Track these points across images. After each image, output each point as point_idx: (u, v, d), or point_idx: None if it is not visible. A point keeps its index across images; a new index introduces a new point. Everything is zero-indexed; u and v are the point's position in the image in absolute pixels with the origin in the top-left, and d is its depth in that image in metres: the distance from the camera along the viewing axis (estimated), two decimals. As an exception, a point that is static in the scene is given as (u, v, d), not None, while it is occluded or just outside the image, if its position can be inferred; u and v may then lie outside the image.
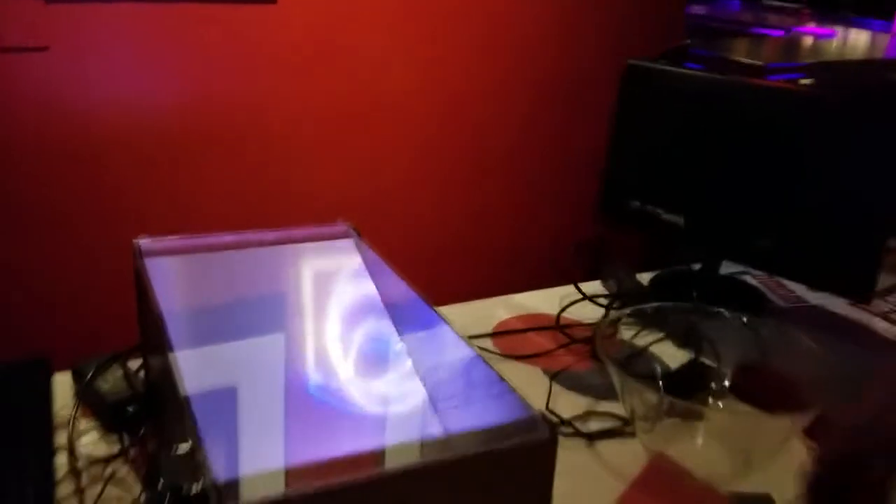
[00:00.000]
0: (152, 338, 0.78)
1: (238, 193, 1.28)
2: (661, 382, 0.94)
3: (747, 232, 1.17)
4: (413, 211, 1.35)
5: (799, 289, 1.37)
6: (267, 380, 0.68)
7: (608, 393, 0.95)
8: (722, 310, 0.96)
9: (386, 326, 0.78)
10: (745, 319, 0.96)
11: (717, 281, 1.27)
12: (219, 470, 0.52)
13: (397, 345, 0.75)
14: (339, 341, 0.76)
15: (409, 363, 0.72)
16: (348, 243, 0.96)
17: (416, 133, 1.34)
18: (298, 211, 1.29)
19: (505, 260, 1.40)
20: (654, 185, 1.26)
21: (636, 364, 0.98)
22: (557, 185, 1.43)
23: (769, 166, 1.12)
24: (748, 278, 1.39)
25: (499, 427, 0.61)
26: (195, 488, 0.50)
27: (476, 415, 0.64)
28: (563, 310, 1.15)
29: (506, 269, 1.41)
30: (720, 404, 0.93)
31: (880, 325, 1.25)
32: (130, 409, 0.84)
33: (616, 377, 0.82)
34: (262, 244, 0.92)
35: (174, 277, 0.82)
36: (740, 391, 0.93)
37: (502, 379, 0.66)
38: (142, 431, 0.84)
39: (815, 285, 1.17)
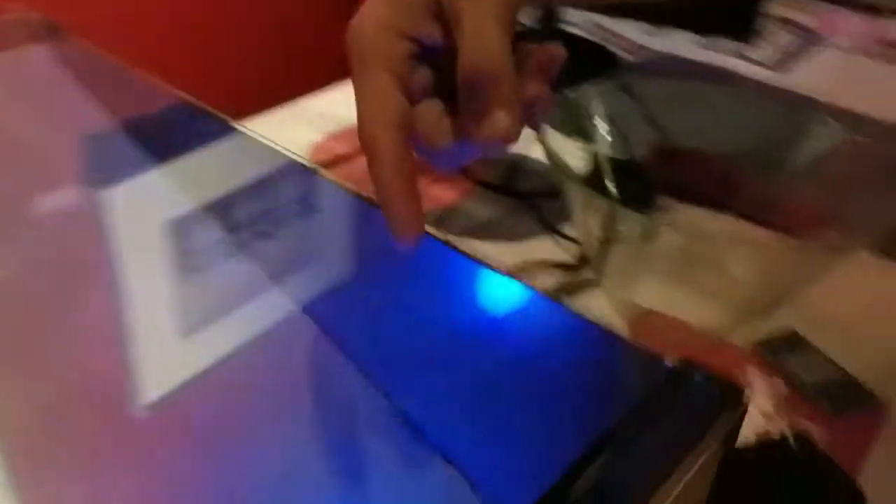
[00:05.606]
0: None
1: None
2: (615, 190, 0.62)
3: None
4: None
5: (633, 34, 1.12)
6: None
7: (524, 231, 0.64)
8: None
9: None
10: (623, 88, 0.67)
11: (557, 39, 0.97)
12: None
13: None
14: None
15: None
16: (40, 49, 0.53)
17: None
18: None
19: (263, 53, 0.98)
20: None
21: (527, 177, 0.67)
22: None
23: None
24: (575, 31, 1.11)
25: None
26: None
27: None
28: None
29: (271, 63, 0.99)
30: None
31: (742, 67, 1.05)
32: None
33: (574, 198, 0.50)
34: None
35: None
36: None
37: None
38: None
39: (686, 26, 0.91)
